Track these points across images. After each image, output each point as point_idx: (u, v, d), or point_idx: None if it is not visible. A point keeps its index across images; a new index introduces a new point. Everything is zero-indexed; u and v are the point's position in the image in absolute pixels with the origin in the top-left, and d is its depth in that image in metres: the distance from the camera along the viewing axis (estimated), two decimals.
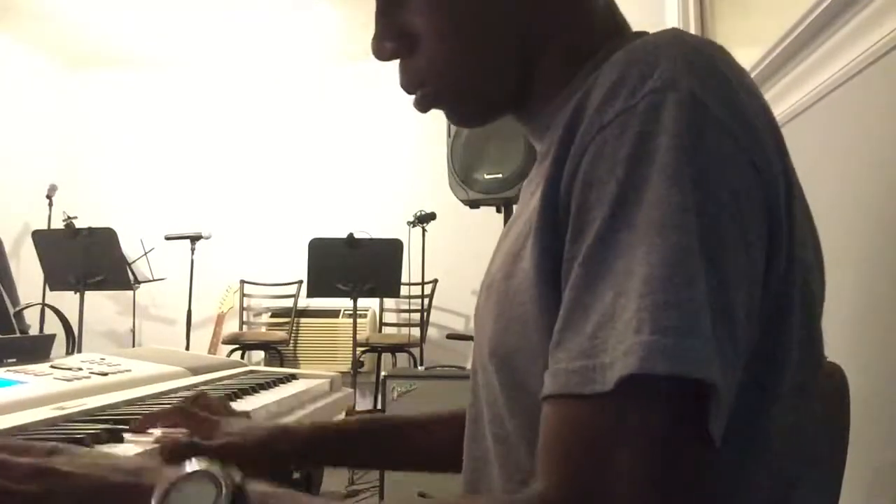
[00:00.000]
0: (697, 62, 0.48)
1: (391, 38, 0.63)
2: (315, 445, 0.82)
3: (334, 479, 3.29)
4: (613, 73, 0.49)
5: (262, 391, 1.12)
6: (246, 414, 0.91)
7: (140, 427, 0.79)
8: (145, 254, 4.41)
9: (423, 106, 0.65)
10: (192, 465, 0.48)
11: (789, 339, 0.49)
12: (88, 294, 3.81)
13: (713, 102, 0.46)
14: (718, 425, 0.42)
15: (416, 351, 4.33)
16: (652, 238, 0.43)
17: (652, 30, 0.63)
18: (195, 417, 0.80)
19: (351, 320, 3.65)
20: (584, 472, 0.42)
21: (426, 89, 0.64)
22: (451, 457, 0.77)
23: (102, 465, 0.51)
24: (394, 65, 0.65)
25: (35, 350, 1.16)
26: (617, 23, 0.63)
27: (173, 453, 0.70)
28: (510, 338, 0.54)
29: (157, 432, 0.78)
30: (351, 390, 1.40)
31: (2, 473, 0.49)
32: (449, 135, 2.67)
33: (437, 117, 0.70)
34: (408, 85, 0.64)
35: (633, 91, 0.47)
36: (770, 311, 0.48)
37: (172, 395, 1.02)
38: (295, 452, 0.81)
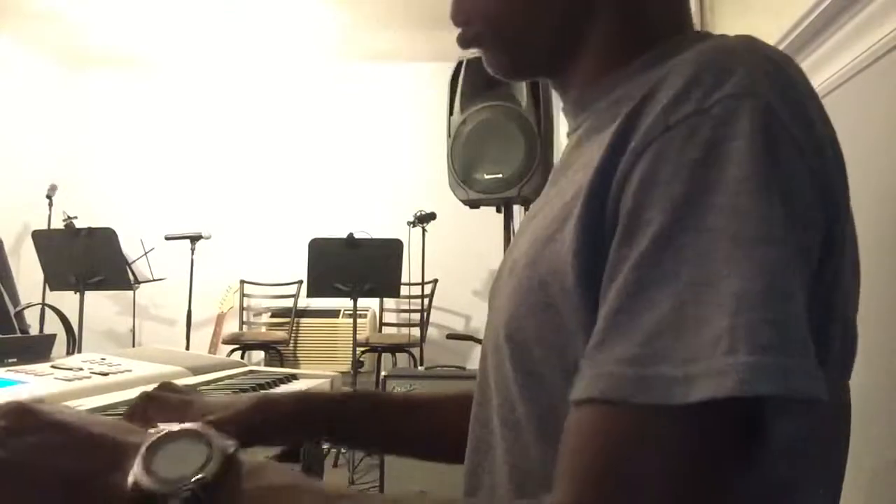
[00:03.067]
0: (774, 72, 0.46)
1: None
2: (299, 420, 0.77)
3: (334, 479, 3.29)
4: (686, 72, 0.47)
5: (262, 391, 1.12)
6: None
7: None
8: (145, 254, 4.41)
9: (464, 43, 0.65)
10: (182, 425, 0.45)
11: (827, 362, 0.48)
12: (88, 294, 3.81)
13: (787, 116, 0.45)
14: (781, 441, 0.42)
15: (416, 351, 4.33)
16: (737, 250, 0.40)
17: None
18: (167, 402, 0.76)
19: (351, 320, 3.65)
20: (617, 484, 0.40)
21: (471, 29, 0.64)
22: (439, 443, 0.76)
23: (88, 417, 0.49)
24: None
25: (36, 350, 1.16)
26: (682, 17, 0.62)
27: None
28: (531, 324, 0.52)
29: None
30: (348, 390, 1.40)
31: None
32: (449, 135, 2.68)
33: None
34: (456, 18, 0.65)
35: (707, 94, 0.45)
36: (814, 332, 0.45)
37: None
38: (278, 427, 0.76)
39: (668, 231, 0.43)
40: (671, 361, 0.40)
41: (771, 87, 0.45)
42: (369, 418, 0.81)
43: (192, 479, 0.42)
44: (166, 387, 0.82)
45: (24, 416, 0.47)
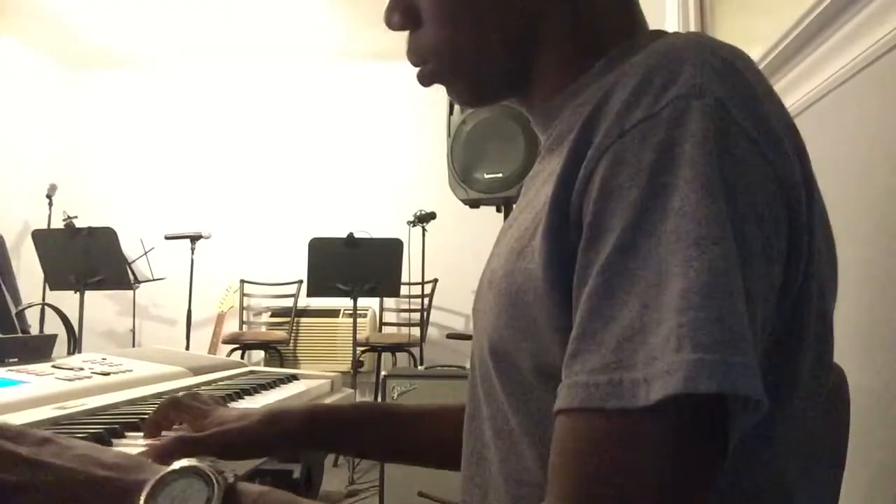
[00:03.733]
0: (722, 68, 0.47)
1: (399, 11, 0.65)
2: (309, 431, 0.79)
3: (334, 479, 3.30)
4: (635, 77, 0.47)
5: (262, 391, 1.12)
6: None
7: (152, 435, 0.77)
8: (145, 253, 4.41)
9: (424, 81, 0.67)
10: (180, 462, 0.47)
11: (802, 352, 0.49)
12: (88, 294, 3.81)
13: (738, 111, 0.45)
14: (737, 437, 0.42)
15: (416, 351, 4.33)
16: (685, 250, 0.41)
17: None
18: (188, 409, 0.78)
19: (351, 320, 3.65)
20: (603, 490, 0.41)
21: (426, 66, 0.65)
22: (447, 451, 0.76)
23: (90, 458, 0.50)
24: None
25: (37, 350, 1.16)
26: (634, 19, 0.62)
27: (162, 453, 0.67)
28: (512, 335, 0.53)
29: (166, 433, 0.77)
30: (351, 390, 1.41)
31: None
32: (449, 135, 2.68)
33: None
34: (412, 59, 0.66)
35: (657, 97, 0.46)
36: (785, 326, 0.47)
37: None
38: (289, 438, 0.79)
39: (628, 236, 0.44)
40: (636, 365, 0.41)
41: (720, 84, 0.46)
42: (377, 430, 0.83)
43: None
44: (193, 396, 0.84)
45: (29, 468, 0.48)
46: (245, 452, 0.77)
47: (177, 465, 0.47)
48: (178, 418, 0.79)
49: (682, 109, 0.45)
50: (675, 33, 0.54)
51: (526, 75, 0.63)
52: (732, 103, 0.45)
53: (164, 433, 0.78)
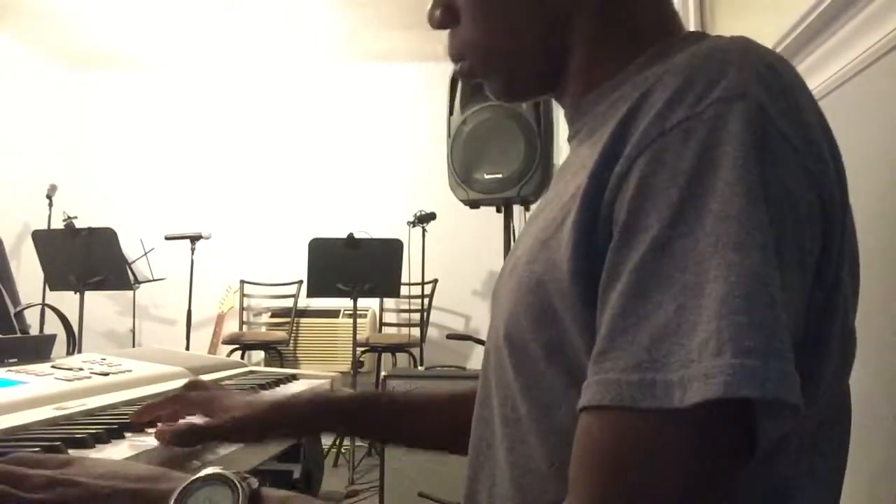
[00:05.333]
0: (766, 74, 0.47)
1: (440, 7, 0.66)
2: (314, 418, 0.83)
3: (334, 479, 3.30)
4: (678, 76, 0.47)
5: (263, 392, 1.12)
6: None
7: (138, 418, 0.79)
8: (145, 254, 4.41)
9: (462, 76, 0.68)
10: (206, 470, 0.49)
11: (826, 361, 0.49)
12: (88, 294, 3.81)
13: (780, 116, 0.45)
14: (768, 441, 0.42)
15: (415, 351, 4.33)
16: (725, 254, 0.41)
17: None
18: (192, 402, 0.81)
19: (351, 320, 3.66)
20: (628, 487, 0.41)
21: (464, 62, 0.67)
22: (449, 439, 0.79)
23: (115, 472, 0.52)
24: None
25: (36, 350, 1.16)
26: (669, 18, 0.62)
27: (173, 439, 0.72)
28: (529, 323, 0.54)
29: (159, 426, 0.78)
30: (351, 390, 1.41)
31: (16, 484, 0.49)
32: (449, 135, 2.68)
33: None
34: (451, 55, 0.68)
35: (700, 98, 0.46)
36: (810, 334, 0.47)
37: None
38: (295, 423, 0.83)
39: (665, 236, 0.43)
40: (671, 366, 0.41)
41: (763, 89, 0.46)
42: (378, 415, 0.86)
43: None
44: (193, 385, 0.87)
45: (57, 487, 0.50)
46: (253, 438, 0.82)
47: (202, 472, 0.48)
48: (188, 412, 0.81)
49: (724, 111, 0.44)
50: (720, 36, 0.54)
51: (560, 72, 0.64)
52: (774, 109, 0.45)
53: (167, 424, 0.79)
